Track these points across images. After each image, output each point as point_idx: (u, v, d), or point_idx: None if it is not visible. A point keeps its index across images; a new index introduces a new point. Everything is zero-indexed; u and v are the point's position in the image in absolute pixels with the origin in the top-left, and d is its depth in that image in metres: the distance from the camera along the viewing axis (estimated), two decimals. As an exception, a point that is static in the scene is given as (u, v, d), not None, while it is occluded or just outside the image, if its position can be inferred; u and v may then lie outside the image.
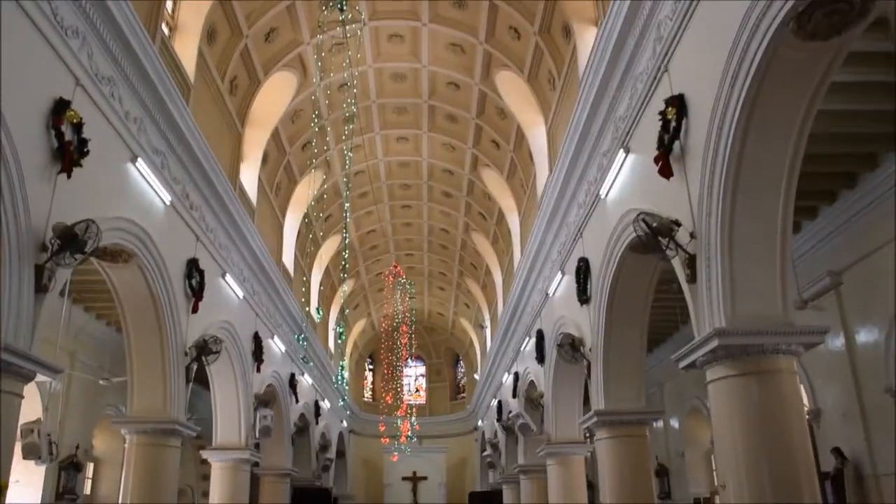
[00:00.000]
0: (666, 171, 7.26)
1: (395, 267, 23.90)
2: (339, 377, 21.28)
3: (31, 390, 12.41)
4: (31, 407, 11.79)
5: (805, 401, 10.29)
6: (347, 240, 17.85)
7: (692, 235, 6.85)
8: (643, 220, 6.95)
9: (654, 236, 6.90)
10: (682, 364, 7.05)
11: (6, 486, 6.71)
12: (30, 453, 9.56)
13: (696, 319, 6.94)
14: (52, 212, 7.22)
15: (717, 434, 6.80)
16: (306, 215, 19.32)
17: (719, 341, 6.29)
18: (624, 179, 9.24)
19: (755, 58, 5.69)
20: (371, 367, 35.68)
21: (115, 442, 13.36)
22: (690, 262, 6.84)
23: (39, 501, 13.54)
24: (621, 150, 9.05)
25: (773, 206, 6.37)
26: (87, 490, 15.93)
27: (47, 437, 9.72)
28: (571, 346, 11.07)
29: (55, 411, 13.43)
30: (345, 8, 11.65)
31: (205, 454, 14.30)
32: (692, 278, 6.85)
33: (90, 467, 16.10)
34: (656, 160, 7.39)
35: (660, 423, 18.05)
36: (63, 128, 7.33)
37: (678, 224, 6.93)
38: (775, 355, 6.33)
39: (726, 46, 6.08)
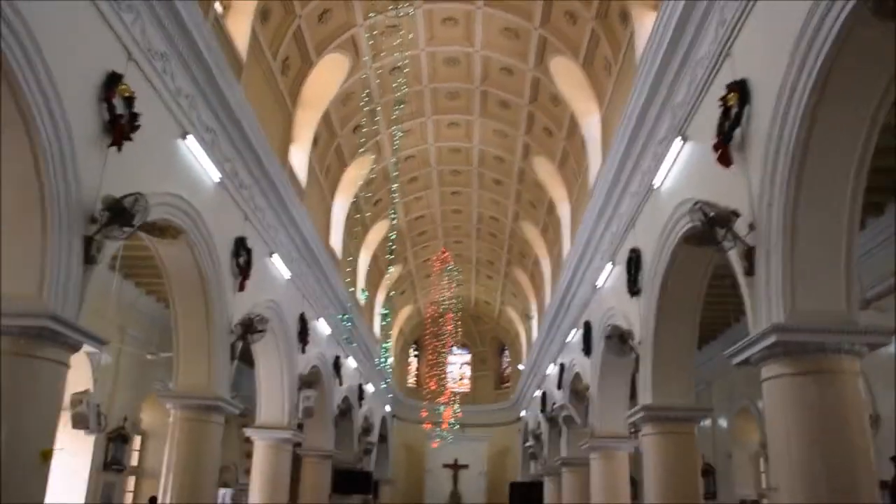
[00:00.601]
0: (725, 160, 6.97)
1: (444, 253, 23.78)
2: (383, 359, 21.27)
3: (82, 362, 12.69)
4: (80, 378, 12.03)
5: (863, 404, 9.87)
6: (396, 224, 17.76)
7: (751, 227, 6.56)
8: (701, 209, 6.68)
9: (711, 226, 6.62)
10: (736, 360, 6.77)
11: (51, 453, 6.77)
12: (79, 423, 9.70)
13: (753, 314, 6.66)
14: (102, 184, 7.25)
15: (770, 434, 6.53)
16: (355, 199, 19.31)
17: (777, 337, 6.00)
18: (680, 169, 8.95)
19: (827, 39, 5.37)
20: (416, 353, 35.72)
21: (162, 416, 13.51)
22: (748, 254, 6.55)
23: (88, 470, 13.80)
24: (678, 139, 8.75)
25: (839, 199, 6.04)
26: (134, 462, 16.20)
27: (96, 408, 9.86)
28: (620, 339, 10.82)
29: (104, 383, 13.67)
30: (399, -13, 11.51)
31: (248, 432, 14.42)
32: (750, 271, 6.56)
33: (137, 440, 16.36)
34: (715, 148, 7.10)
35: (707, 422, 17.64)
36: (115, 101, 7.34)
37: (737, 214, 6.64)
38: (837, 355, 6.02)
39: (796, 27, 5.76)
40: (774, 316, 6.19)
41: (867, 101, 5.66)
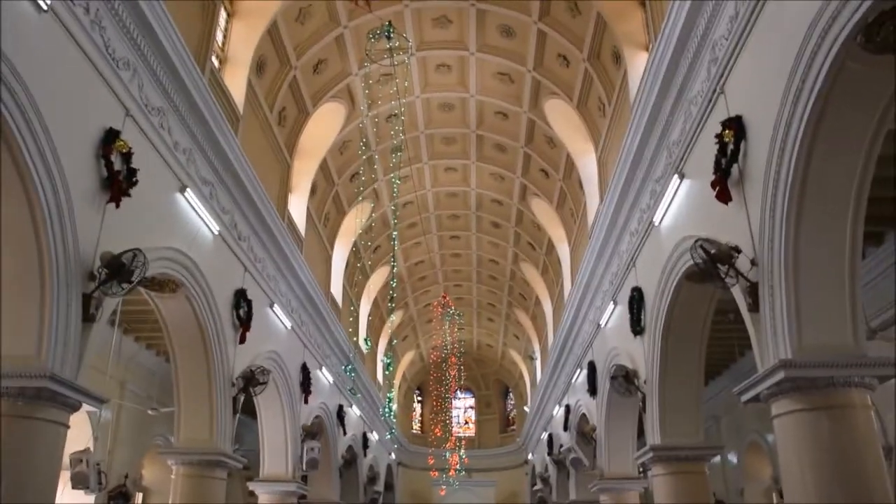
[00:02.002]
0: (724, 196, 6.97)
1: (444, 297, 23.71)
2: (387, 408, 21.07)
3: (81, 419, 12.48)
4: (80, 436, 11.84)
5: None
6: (396, 270, 17.72)
7: (753, 262, 6.53)
8: (701, 247, 6.65)
9: (712, 263, 6.59)
10: (745, 398, 6.69)
11: (51, 517, 6.63)
12: (79, 483, 9.56)
13: (760, 350, 6.59)
14: (100, 241, 7.24)
15: (784, 471, 6.40)
16: (354, 246, 19.32)
17: (785, 373, 5.93)
18: (678, 206, 8.95)
19: (820, 73, 5.41)
20: (420, 398, 35.41)
21: (163, 472, 13.32)
22: (752, 290, 6.51)
23: (89, 531, 13.54)
24: (675, 176, 8.77)
25: (840, 231, 6.03)
26: (137, 520, 15.92)
27: (96, 467, 9.71)
28: (625, 379, 10.71)
29: (104, 440, 13.48)
30: (392, 36, 11.64)
31: (252, 486, 14.20)
32: (754, 307, 6.52)
33: (139, 497, 16.09)
34: (713, 185, 7.11)
35: (717, 458, 17.39)
36: (112, 157, 7.38)
37: (738, 251, 6.61)
38: (847, 388, 5.95)
39: (788, 63, 5.81)
40: (782, 352, 6.12)
41: (863, 132, 5.69)
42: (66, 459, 9.44)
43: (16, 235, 6.42)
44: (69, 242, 6.72)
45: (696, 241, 6.77)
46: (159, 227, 8.71)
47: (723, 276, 6.60)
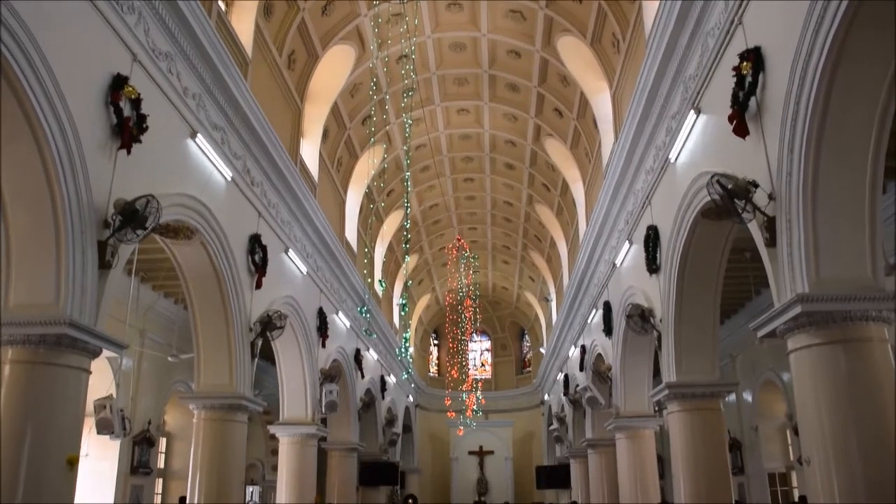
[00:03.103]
0: (741, 130, 6.84)
1: (459, 240, 23.69)
2: (403, 348, 21.24)
3: (103, 367, 12.72)
4: (103, 383, 12.06)
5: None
6: (409, 214, 17.68)
7: (771, 197, 6.44)
8: (718, 182, 6.56)
9: (729, 199, 6.49)
10: (761, 333, 6.67)
11: (77, 460, 6.78)
12: (103, 428, 9.77)
13: (776, 286, 6.54)
14: (112, 188, 7.23)
15: (800, 406, 6.42)
16: (368, 190, 19.26)
17: (802, 308, 5.90)
18: (695, 142, 8.81)
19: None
20: (436, 342, 35.73)
21: (186, 418, 13.60)
22: (769, 225, 6.44)
23: (115, 474, 13.89)
24: (692, 112, 8.62)
25: (860, 164, 5.91)
26: (161, 464, 16.29)
27: (120, 413, 9.91)
28: (641, 317, 10.73)
29: (127, 388, 13.72)
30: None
31: (272, 429, 14.45)
32: (771, 242, 6.45)
33: (163, 442, 16.45)
34: (731, 119, 6.98)
35: (732, 397, 17.51)
36: (121, 104, 7.31)
37: (755, 185, 6.51)
38: (864, 322, 5.92)
39: (809, -10, 5.63)
40: (799, 286, 6.08)
41: (887, 62, 5.52)
42: (90, 406, 9.68)
43: (28, 185, 6.41)
44: (82, 190, 6.71)
45: (713, 177, 6.67)
46: (171, 174, 8.69)
47: (740, 211, 6.51)
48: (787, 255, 6.24)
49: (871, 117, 5.77)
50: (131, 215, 7.02)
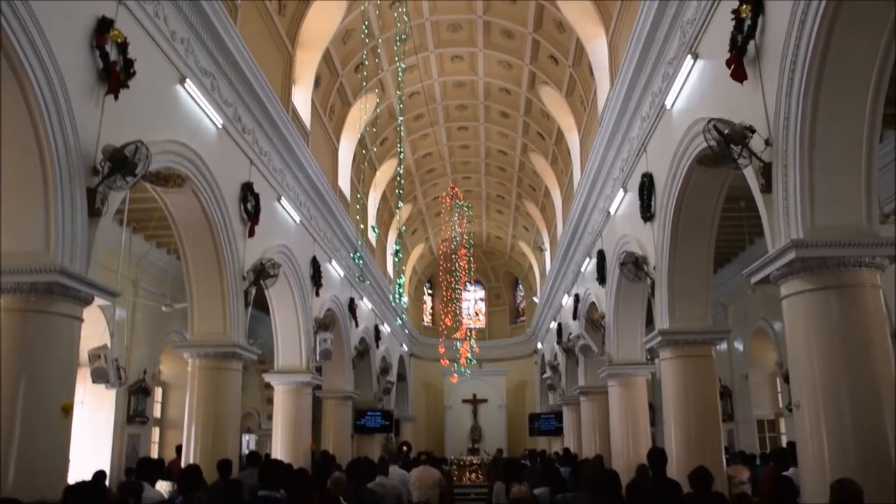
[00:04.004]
0: (739, 74, 6.75)
1: (453, 188, 23.58)
2: (397, 295, 21.26)
3: (97, 317, 12.75)
4: (97, 333, 12.10)
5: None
6: (403, 163, 17.54)
7: (767, 142, 6.38)
8: (714, 127, 6.48)
9: (726, 144, 6.43)
10: (755, 279, 6.68)
11: (71, 407, 6.81)
12: (98, 378, 9.80)
13: (771, 232, 6.52)
14: (101, 134, 7.11)
15: (791, 352, 6.46)
16: (361, 139, 19.08)
17: (796, 253, 5.89)
18: (691, 88, 8.70)
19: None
20: (430, 291, 35.84)
21: (180, 367, 13.66)
22: (765, 170, 6.39)
23: (112, 423, 14.02)
24: (689, 57, 8.48)
25: (859, 109, 5.84)
26: (157, 413, 16.43)
27: (114, 362, 9.94)
28: (635, 265, 10.72)
29: (121, 338, 13.76)
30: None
31: (267, 377, 14.54)
32: (767, 188, 6.41)
33: (158, 392, 16.56)
34: (728, 63, 6.88)
35: (723, 346, 17.68)
36: (107, 48, 7.16)
37: (752, 130, 6.44)
38: (857, 268, 5.92)
39: (810, -73, 5.49)
40: (793, 232, 6.06)
41: (888, 3, 5.41)
42: (85, 356, 9.70)
43: (14, 132, 6.30)
44: (69, 136, 6.60)
45: (709, 122, 6.59)
46: (161, 120, 8.56)
47: (735, 157, 6.45)
48: (783, 201, 6.21)
49: (871, 61, 5.69)
50: (120, 162, 6.91)
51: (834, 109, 5.82)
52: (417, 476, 13.90)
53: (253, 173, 11.45)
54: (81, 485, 4.17)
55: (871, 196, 6.05)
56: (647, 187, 10.46)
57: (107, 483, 10.86)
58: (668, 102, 9.40)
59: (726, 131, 6.43)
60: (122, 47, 7.38)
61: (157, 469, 8.72)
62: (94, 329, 12.20)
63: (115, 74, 7.22)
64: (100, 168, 6.94)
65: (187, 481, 7.18)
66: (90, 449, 13.23)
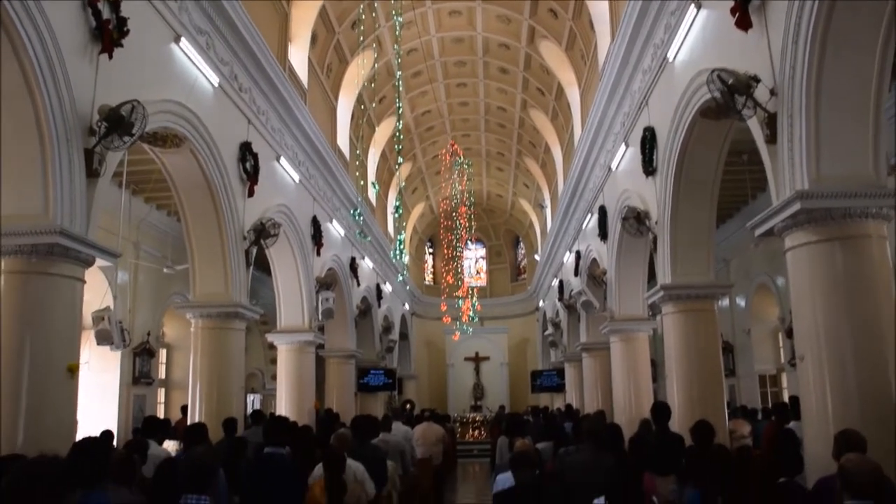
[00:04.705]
0: (744, 22, 6.63)
1: (453, 145, 23.40)
2: (397, 251, 21.21)
3: (100, 280, 12.75)
4: (100, 297, 12.11)
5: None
6: (402, 119, 17.36)
7: (773, 92, 6.28)
8: (718, 77, 6.37)
9: (730, 95, 6.33)
10: (759, 232, 6.63)
11: (77, 367, 6.83)
12: (103, 339, 9.85)
13: (775, 183, 6.46)
14: (96, 95, 7.03)
15: (795, 304, 6.44)
16: (359, 97, 18.88)
17: (801, 205, 5.83)
18: (694, 39, 8.56)
19: None
20: (431, 250, 35.84)
21: (184, 329, 13.70)
22: (770, 121, 6.30)
23: (118, 385, 14.12)
24: (692, 6, 8.32)
25: (868, 58, 5.73)
26: (162, 375, 16.54)
27: (118, 325, 9.97)
28: (637, 220, 10.67)
29: (124, 301, 13.78)
30: None
31: (270, 337, 14.59)
32: (772, 139, 6.33)
33: (163, 353, 16.65)
34: (733, 11, 6.75)
35: (725, 301, 17.70)
36: (100, 6, 7.03)
37: (757, 80, 6.32)
38: (863, 219, 5.87)
39: None
40: (798, 183, 6.00)
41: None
42: (89, 319, 9.72)
43: (8, 92, 6.22)
44: (64, 96, 6.52)
45: (713, 72, 6.48)
46: (156, 80, 8.44)
47: (740, 108, 6.36)
48: (788, 152, 6.14)
49: (881, 6, 5.56)
50: (117, 122, 6.83)
51: (842, 56, 5.71)
52: (421, 432, 14.04)
53: (251, 133, 11.35)
54: (88, 440, 4.19)
55: (878, 145, 5.97)
56: (648, 141, 10.36)
57: (114, 443, 10.96)
58: (671, 54, 9.26)
59: (730, 81, 6.33)
60: (115, 5, 7.27)
61: (162, 427, 8.79)
62: (96, 292, 12.20)
63: (108, 33, 7.11)
64: (96, 128, 6.87)
65: (192, 438, 7.24)
66: (97, 410, 13.34)
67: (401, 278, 25.80)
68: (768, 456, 7.49)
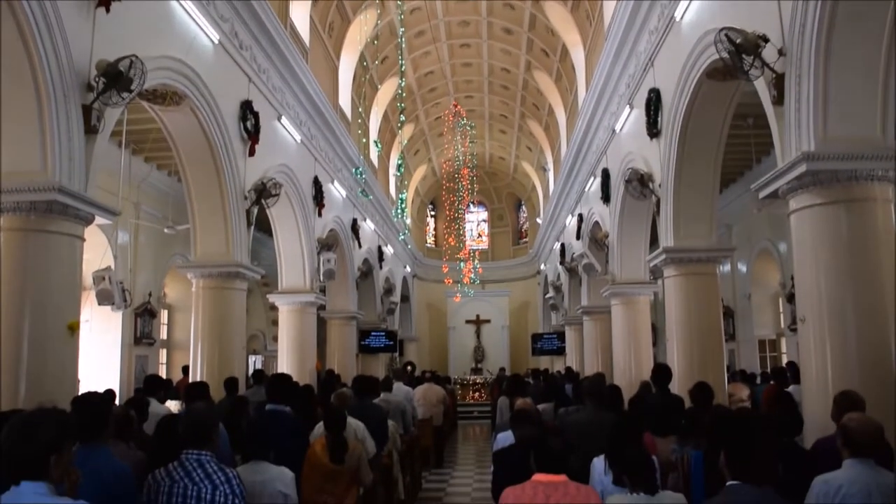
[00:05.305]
0: (753, -19, 6.51)
1: (456, 106, 23.20)
2: (399, 210, 21.11)
3: (101, 242, 12.75)
4: (100, 257, 12.13)
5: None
6: (404, 79, 17.17)
7: (781, 52, 6.18)
8: (726, 36, 6.26)
9: (737, 54, 6.22)
10: (763, 194, 6.57)
11: (77, 325, 6.83)
12: (104, 299, 9.87)
13: (781, 145, 6.38)
14: (93, 50, 6.93)
15: (798, 267, 6.40)
16: (361, 57, 18.67)
17: (807, 166, 5.77)
18: (702, -2, 8.42)
19: None
20: (433, 213, 35.76)
21: (185, 289, 13.72)
22: (778, 81, 6.21)
23: (120, 345, 14.19)
24: (700, -36, 8.19)
25: (878, 19, 5.61)
26: (164, 335, 16.60)
27: (119, 285, 9.98)
28: (640, 182, 10.59)
29: (125, 261, 13.78)
30: None
31: (272, 298, 14.59)
32: (779, 100, 6.24)
33: (164, 314, 16.70)
34: (742, -31, 6.63)
35: (727, 267, 17.69)
36: (96, -42, 6.91)
37: (766, 39, 6.21)
38: (869, 182, 5.81)
39: None
40: (805, 144, 5.93)
41: None
42: (90, 280, 9.72)
43: (5, 48, 6.13)
44: (61, 51, 6.42)
45: (721, 31, 6.36)
46: (154, 35, 8.31)
47: (747, 68, 6.26)
48: (795, 113, 6.05)
49: (894, -37, 5.45)
50: (115, 77, 6.74)
51: (853, 16, 5.59)
52: (422, 393, 14.12)
53: (252, 91, 11.23)
54: (90, 394, 4.19)
55: (887, 107, 5.89)
56: (653, 103, 10.24)
57: (116, 403, 11.03)
58: (678, 14, 9.11)
59: (738, 41, 6.22)
60: (112, -43, 7.12)
61: (163, 386, 8.83)
62: (97, 253, 12.22)
63: (104, -16, 6.98)
64: (94, 84, 6.79)
65: (193, 395, 7.27)
66: (99, 370, 13.42)
67: (402, 237, 25.75)
68: (768, 417, 7.51)
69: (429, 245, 35.14)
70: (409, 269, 29.60)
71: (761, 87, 6.57)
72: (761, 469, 2.75)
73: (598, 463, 4.59)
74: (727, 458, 2.85)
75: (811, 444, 5.24)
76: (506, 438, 5.80)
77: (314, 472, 5.67)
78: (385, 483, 7.81)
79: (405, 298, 28.84)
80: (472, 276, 27.12)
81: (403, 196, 22.32)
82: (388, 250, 24.07)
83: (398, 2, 15.25)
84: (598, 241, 14.94)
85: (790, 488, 3.60)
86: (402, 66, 14.92)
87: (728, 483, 2.82)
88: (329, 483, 5.67)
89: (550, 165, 25.75)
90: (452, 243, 28.37)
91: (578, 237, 17.74)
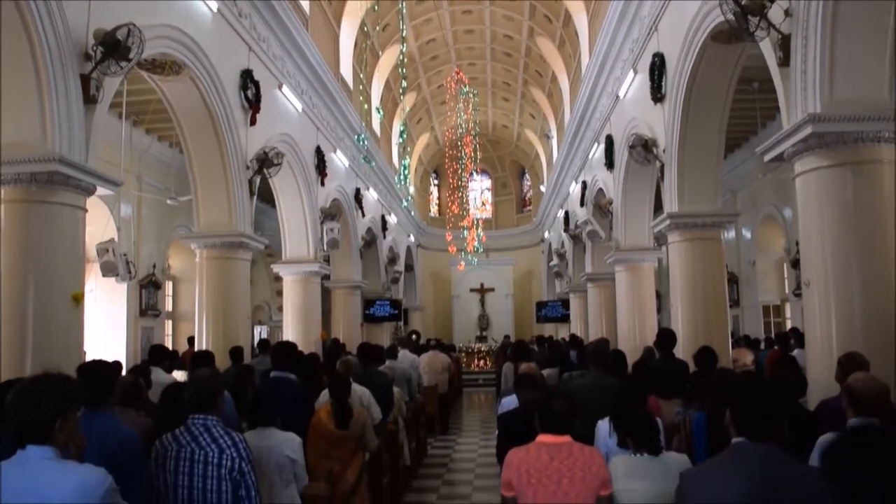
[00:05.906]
0: (759, -60, 6.38)
1: (458, 73, 23.01)
2: (402, 177, 21.01)
3: (104, 214, 12.75)
4: (104, 229, 12.13)
5: None
6: (406, 44, 17.00)
7: (787, 13, 6.09)
8: (731, -2, 6.18)
9: (743, 16, 6.14)
10: (768, 157, 6.52)
11: (82, 296, 6.84)
12: (108, 271, 9.90)
13: (787, 107, 6.32)
14: (90, 19, 6.86)
15: (803, 230, 6.37)
16: (362, 25, 18.49)
17: (813, 128, 5.71)
18: (707, -41, 8.29)
19: None
20: (436, 182, 35.65)
21: (189, 260, 13.73)
22: (784, 43, 6.13)
23: (125, 317, 14.24)
24: (705, -75, 8.05)
25: (887, -26, 5.55)
26: (169, 307, 16.65)
27: (123, 256, 9.99)
28: (644, 147, 10.53)
29: (128, 233, 13.79)
30: None
31: (276, 268, 14.61)
32: (785, 61, 6.16)
33: (169, 286, 16.74)
34: (747, -73, 6.50)
35: (731, 234, 17.65)
36: (89, -75, 6.82)
37: (771, 0, 6.14)
38: (876, 144, 5.76)
39: None
40: (811, 106, 5.87)
41: None
42: (94, 252, 9.74)
43: (1, 19, 6.07)
44: (57, 20, 6.36)
45: (727, -9, 6.28)
46: (152, 4, 8.21)
47: (753, 29, 6.18)
48: (801, 74, 5.98)
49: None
50: (113, 46, 6.69)
51: (860, -25, 5.52)
52: (427, 361, 14.17)
53: (252, 60, 11.14)
54: (96, 361, 4.21)
55: (894, 69, 5.82)
56: (657, 67, 10.14)
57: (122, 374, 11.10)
58: (683, -24, 8.99)
59: (744, 2, 6.13)
60: (107, -76, 7.03)
61: (169, 356, 8.86)
62: (100, 226, 12.22)
63: (101, -47, 6.90)
64: (92, 53, 6.73)
65: (198, 364, 7.30)
66: (105, 342, 13.49)
67: (405, 204, 25.69)
68: (772, 381, 7.52)
69: (432, 214, 35.08)
70: (412, 238, 29.58)
71: (767, 48, 6.49)
72: (767, 426, 2.76)
73: (603, 425, 4.61)
74: (733, 416, 2.85)
75: (815, 406, 5.25)
76: (510, 402, 5.82)
77: (319, 439, 5.71)
78: (391, 449, 7.88)
79: (409, 268, 28.85)
80: (476, 244, 27.09)
81: (406, 163, 22.18)
82: (392, 219, 24.05)
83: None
84: (601, 208, 14.89)
85: (794, 448, 3.61)
86: (403, 33, 14.74)
87: (734, 440, 2.83)
88: (335, 449, 5.71)
89: (554, 133, 25.60)
90: (456, 212, 28.28)
91: (582, 204, 17.69)
